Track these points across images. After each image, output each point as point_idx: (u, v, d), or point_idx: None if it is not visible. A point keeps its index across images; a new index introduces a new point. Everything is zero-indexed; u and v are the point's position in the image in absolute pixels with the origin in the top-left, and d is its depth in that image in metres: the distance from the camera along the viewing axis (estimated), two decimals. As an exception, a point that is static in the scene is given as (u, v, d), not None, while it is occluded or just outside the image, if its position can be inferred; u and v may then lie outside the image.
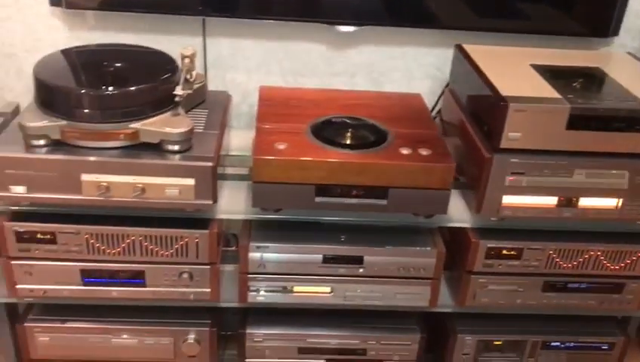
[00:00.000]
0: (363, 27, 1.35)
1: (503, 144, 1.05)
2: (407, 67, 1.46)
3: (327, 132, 1.13)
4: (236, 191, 1.19)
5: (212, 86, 1.38)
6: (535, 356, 1.29)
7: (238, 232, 1.27)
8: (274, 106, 1.23)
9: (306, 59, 1.44)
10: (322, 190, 1.07)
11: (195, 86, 1.21)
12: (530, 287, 1.19)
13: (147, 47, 1.21)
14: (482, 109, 1.13)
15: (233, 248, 1.46)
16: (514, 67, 1.19)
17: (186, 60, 1.17)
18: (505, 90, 1.06)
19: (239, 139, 1.35)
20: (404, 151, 1.09)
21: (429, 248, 1.15)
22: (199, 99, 1.24)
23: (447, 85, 1.37)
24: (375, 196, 1.08)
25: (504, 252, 1.15)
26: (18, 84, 1.43)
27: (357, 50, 1.44)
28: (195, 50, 1.18)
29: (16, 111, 1.24)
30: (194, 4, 1.32)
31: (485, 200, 1.10)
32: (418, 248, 1.15)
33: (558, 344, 1.28)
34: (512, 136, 1.04)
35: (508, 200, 1.10)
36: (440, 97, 1.42)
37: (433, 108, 1.43)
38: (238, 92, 1.45)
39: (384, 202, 1.08)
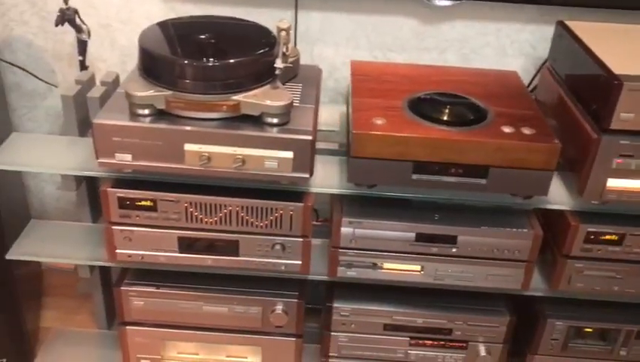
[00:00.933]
0: (460, 1, 1.32)
1: (614, 125, 1.01)
2: (500, 44, 1.42)
3: (424, 108, 1.12)
4: (328, 165, 1.19)
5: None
6: (629, 346, 1.25)
7: (329, 207, 1.28)
8: (368, 81, 1.22)
9: (395, 34, 1.42)
10: (420, 167, 1.06)
11: (290, 59, 1.21)
12: (630, 274, 1.15)
13: (246, 20, 1.21)
14: (589, 88, 1.09)
15: (314, 222, 1.47)
16: (623, 44, 1.13)
17: (283, 33, 1.17)
18: (617, 68, 1.01)
19: (326, 115, 1.34)
20: (507, 129, 1.06)
21: (525, 230, 1.12)
22: (292, 73, 1.24)
23: (543, 63, 1.32)
24: (474, 175, 1.06)
25: (605, 237, 1.11)
26: (112, 54, 1.47)
27: (449, 25, 1.40)
28: (288, 21, 1.18)
29: (116, 81, 1.27)
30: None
31: (589, 182, 1.06)
32: (515, 230, 1.12)
33: (654, 334, 1.24)
34: (624, 116, 1.00)
35: (613, 183, 1.06)
36: (536, 75, 1.37)
37: (529, 86, 1.39)
38: (324, 66, 1.44)
39: (483, 181, 1.06)
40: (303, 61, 1.39)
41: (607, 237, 1.11)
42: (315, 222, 1.46)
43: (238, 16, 1.25)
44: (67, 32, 1.39)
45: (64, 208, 1.69)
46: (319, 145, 1.27)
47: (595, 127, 1.04)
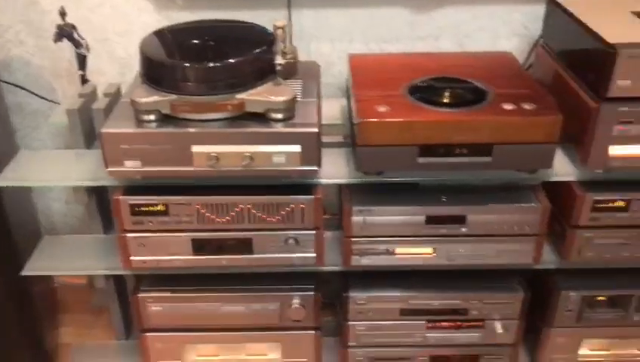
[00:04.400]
0: (449, -13, 1.34)
1: (611, 93, 1.03)
2: (492, 27, 1.44)
3: (425, 93, 1.13)
4: (334, 157, 1.21)
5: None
6: (642, 310, 1.27)
7: (335, 201, 1.29)
8: (367, 73, 1.24)
9: (389, 25, 1.44)
10: (425, 150, 1.08)
11: (288, 56, 1.22)
12: (639, 239, 1.17)
13: (242, 21, 1.23)
14: (585, 60, 1.11)
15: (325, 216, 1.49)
16: (614, 15, 1.15)
17: (279, 31, 1.19)
18: (610, 37, 1.03)
19: (327, 109, 1.35)
20: (508, 106, 1.08)
21: (533, 204, 1.14)
22: (293, 70, 1.25)
23: (537, 41, 1.34)
24: (479, 154, 1.08)
25: (611, 204, 1.13)
26: (111, 67, 1.49)
27: (441, 13, 1.43)
28: (283, 20, 1.21)
29: (118, 92, 1.28)
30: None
31: (592, 152, 1.08)
32: (522, 205, 1.14)
33: (666, 297, 1.26)
34: (622, 84, 1.02)
35: (615, 150, 1.08)
36: (530, 54, 1.39)
37: (523, 66, 1.41)
38: (321, 62, 1.45)
39: (489, 159, 1.08)
40: (300, 58, 1.42)
41: (614, 204, 1.13)
42: (324, 216, 1.49)
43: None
44: (64, 48, 1.41)
45: (72, 224, 1.71)
46: (324, 138, 1.29)
47: (593, 96, 1.06)
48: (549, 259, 1.23)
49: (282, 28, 1.20)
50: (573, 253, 1.18)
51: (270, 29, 1.15)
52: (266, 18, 1.40)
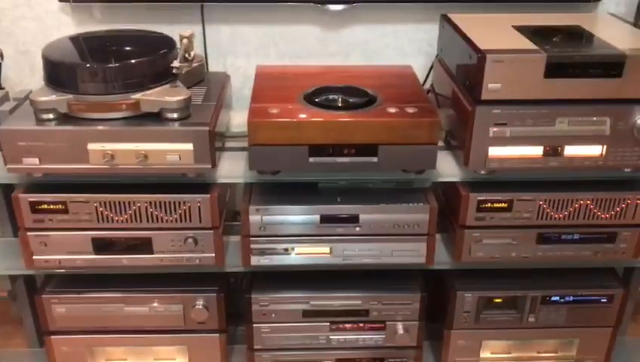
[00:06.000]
0: (352, 5, 1.41)
1: (484, 96, 1.09)
2: (399, 44, 1.52)
3: (318, 97, 1.19)
4: (237, 160, 1.25)
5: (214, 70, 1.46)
6: (535, 311, 1.31)
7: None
8: (269, 81, 1.30)
9: (301, 42, 1.51)
10: (314, 150, 1.13)
11: (194, 64, 1.28)
12: (524, 240, 1.22)
13: (147, 30, 1.29)
14: (466, 69, 1.18)
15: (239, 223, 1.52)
16: (496, 29, 1.23)
17: (184, 40, 1.25)
18: (483, 45, 1.11)
19: (240, 119, 1.41)
20: (392, 110, 1.14)
21: (421, 204, 1.19)
22: (199, 77, 1.31)
23: (436, 56, 1.42)
24: (366, 154, 1.13)
25: (495, 204, 1.18)
26: (32, 79, 1.52)
27: (349, 30, 1.50)
28: (193, 31, 1.27)
29: (27, 96, 1.32)
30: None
31: (472, 152, 1.14)
32: (411, 204, 1.19)
33: (557, 298, 1.30)
34: (492, 87, 1.08)
35: (494, 152, 1.14)
36: (431, 69, 1.47)
37: (425, 81, 1.48)
38: (238, 76, 1.52)
39: (374, 160, 1.13)
40: (216, 70, 1.48)
41: (497, 204, 1.19)
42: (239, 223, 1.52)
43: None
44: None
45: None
46: (231, 144, 1.34)
47: (470, 100, 1.13)
48: (443, 260, 1.27)
49: (188, 37, 1.26)
50: (464, 252, 1.23)
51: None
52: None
